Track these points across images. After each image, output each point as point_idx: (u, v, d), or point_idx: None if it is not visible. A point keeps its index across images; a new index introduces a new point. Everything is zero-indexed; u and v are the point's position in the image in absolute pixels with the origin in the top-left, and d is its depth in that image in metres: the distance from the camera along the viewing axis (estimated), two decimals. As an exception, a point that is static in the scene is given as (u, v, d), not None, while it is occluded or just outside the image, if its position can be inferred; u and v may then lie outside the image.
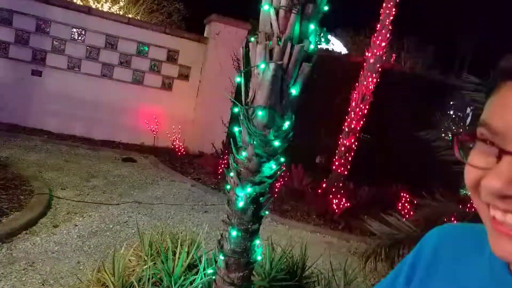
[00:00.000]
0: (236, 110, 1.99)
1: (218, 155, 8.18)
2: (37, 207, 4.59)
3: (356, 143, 7.20)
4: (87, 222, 4.65)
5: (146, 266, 2.84)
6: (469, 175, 0.56)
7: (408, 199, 6.60)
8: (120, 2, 12.12)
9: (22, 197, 4.71)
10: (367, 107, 7.10)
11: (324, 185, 7.07)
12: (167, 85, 9.14)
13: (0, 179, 4.85)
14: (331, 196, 6.63)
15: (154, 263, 2.96)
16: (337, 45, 14.14)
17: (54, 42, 8.29)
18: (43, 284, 3.28)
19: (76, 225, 4.52)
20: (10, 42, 8.04)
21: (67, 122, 8.44)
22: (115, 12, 11.50)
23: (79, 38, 8.45)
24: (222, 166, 7.33)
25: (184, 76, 9.22)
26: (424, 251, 0.74)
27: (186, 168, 7.85)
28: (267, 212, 2.14)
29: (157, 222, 4.98)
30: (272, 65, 1.70)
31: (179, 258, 2.92)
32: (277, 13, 1.71)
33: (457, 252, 0.69)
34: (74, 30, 8.40)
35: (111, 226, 4.69)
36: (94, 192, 5.65)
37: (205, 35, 9.36)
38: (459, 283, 0.65)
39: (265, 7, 1.73)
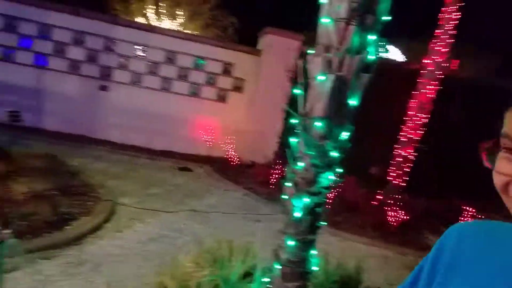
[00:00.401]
0: (292, 121, 2.02)
1: (270, 165, 8.23)
2: (102, 213, 4.90)
3: (414, 154, 6.92)
4: (147, 228, 4.87)
5: (204, 272, 2.93)
6: (497, 180, 0.63)
7: (469, 213, 6.22)
8: (178, 19, 12.71)
9: (89, 203, 5.04)
10: (425, 116, 6.82)
11: (379, 197, 6.86)
12: (222, 97, 9.44)
13: (71, 186, 5.23)
14: (387, 208, 6.41)
15: (211, 270, 3.04)
16: (393, 53, 13.74)
17: (119, 59, 8.94)
18: (108, 286, 3.48)
19: (137, 231, 4.75)
20: (82, 61, 8.80)
21: (129, 133, 8.96)
22: (174, 29, 12.10)
23: (142, 54, 9.02)
24: (274, 176, 7.37)
25: (238, 88, 9.47)
26: (445, 248, 0.75)
27: (239, 178, 7.97)
28: (324, 223, 2.14)
29: (212, 230, 5.10)
30: (330, 77, 1.72)
31: (235, 266, 2.98)
32: (336, 25, 1.74)
33: (477, 246, 0.71)
34: (137, 47, 8.98)
35: (168, 233, 4.87)
36: (153, 199, 5.90)
37: (259, 47, 9.56)
38: (482, 274, 0.68)
39: (323, 19, 1.76)
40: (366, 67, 1.76)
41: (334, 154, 1.85)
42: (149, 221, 5.09)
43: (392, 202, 6.60)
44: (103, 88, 8.92)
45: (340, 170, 1.98)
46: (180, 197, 6.30)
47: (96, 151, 7.99)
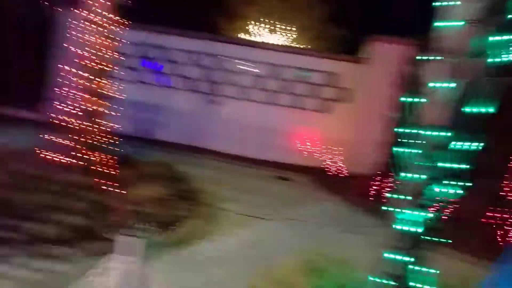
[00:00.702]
0: (401, 130, 1.94)
1: (372, 176, 7.91)
2: (205, 216, 5.20)
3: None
4: (246, 234, 5.02)
5: (301, 280, 2.93)
6: None
7: None
8: (284, 33, 13.08)
9: (195, 207, 5.39)
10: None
11: (495, 214, 6.12)
12: (324, 108, 9.47)
13: (181, 191, 5.66)
14: (504, 227, 5.70)
15: (308, 279, 3.03)
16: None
17: (227, 74, 9.60)
18: (209, 286, 3.67)
19: (237, 236, 4.92)
20: (195, 78, 9.71)
21: (233, 143, 9.45)
22: (279, 43, 12.56)
23: (248, 69, 9.56)
24: (377, 187, 7.08)
25: (341, 98, 9.40)
26: None
27: (339, 188, 7.81)
28: (434, 238, 1.99)
29: (309, 240, 5.06)
30: (450, 83, 1.60)
31: (332, 276, 2.93)
32: (457, 28, 1.61)
33: None
34: (244, 62, 9.56)
35: (267, 239, 4.97)
36: (252, 206, 6.07)
37: (364, 55, 9.39)
38: None
39: (441, 23, 1.65)
40: (495, 70, 1.60)
41: (451, 165, 1.72)
42: (249, 227, 5.25)
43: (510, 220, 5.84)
44: (212, 102, 9.69)
45: (459, 183, 1.83)
46: (278, 205, 6.40)
47: (203, 159, 8.56)
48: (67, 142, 5.01)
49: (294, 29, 13.06)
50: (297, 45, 12.76)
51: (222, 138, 9.48)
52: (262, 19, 12.96)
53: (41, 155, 5.04)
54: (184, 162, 7.71)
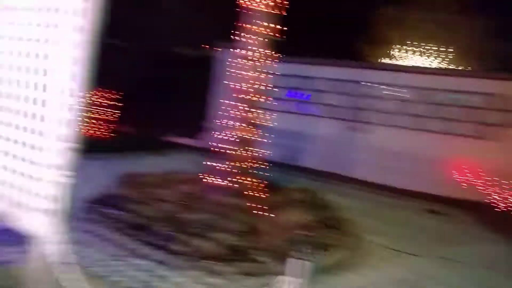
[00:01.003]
0: None
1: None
2: (352, 247, 5.12)
3: None
4: (394, 269, 4.79)
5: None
6: None
7: None
8: (429, 54, 12.28)
9: (339, 236, 5.33)
10: None
11: None
12: (485, 134, 8.48)
13: (324, 219, 5.68)
14: None
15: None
16: None
17: (373, 101, 9.48)
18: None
19: (386, 271, 4.73)
20: (339, 105, 9.87)
21: (375, 171, 9.12)
22: (425, 65, 11.85)
23: (391, 94, 9.30)
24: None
25: (504, 122, 8.31)
26: None
27: (503, 227, 6.77)
28: None
29: (471, 284, 4.54)
30: None
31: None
32: None
33: None
34: (386, 87, 9.33)
35: (419, 278, 4.64)
36: (399, 240, 5.74)
37: None
38: None
39: None
40: None
41: None
42: (399, 263, 5.02)
43: None
44: (353, 128, 9.65)
45: None
46: (429, 241, 5.94)
47: (346, 187, 8.49)
48: (224, 167, 5.58)
49: (445, 49, 12.11)
50: (444, 66, 11.80)
51: (366, 166, 9.26)
52: (409, 42, 12.38)
53: (203, 178, 5.72)
54: (327, 189, 7.73)
